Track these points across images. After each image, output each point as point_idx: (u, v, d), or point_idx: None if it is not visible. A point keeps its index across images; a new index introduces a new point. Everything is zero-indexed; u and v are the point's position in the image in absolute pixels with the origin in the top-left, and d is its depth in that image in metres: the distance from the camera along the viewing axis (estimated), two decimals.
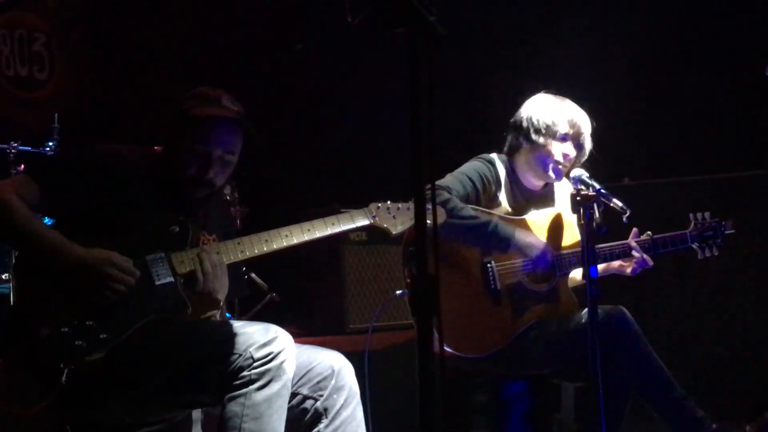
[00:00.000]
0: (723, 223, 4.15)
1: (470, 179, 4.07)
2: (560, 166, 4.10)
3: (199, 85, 3.35)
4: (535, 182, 4.24)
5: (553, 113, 4.12)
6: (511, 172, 4.21)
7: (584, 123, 4.14)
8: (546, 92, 4.24)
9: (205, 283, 3.15)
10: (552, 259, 4.00)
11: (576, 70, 6.16)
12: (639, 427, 4.27)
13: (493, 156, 4.22)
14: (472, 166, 4.15)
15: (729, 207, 4.26)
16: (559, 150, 4.09)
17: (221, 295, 3.24)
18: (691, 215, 4.16)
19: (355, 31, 2.22)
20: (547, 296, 4.05)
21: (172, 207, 3.26)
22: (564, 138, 4.09)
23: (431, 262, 2.12)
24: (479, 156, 4.23)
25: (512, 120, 4.25)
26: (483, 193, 4.09)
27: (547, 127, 4.10)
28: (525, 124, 4.15)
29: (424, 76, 2.10)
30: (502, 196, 4.14)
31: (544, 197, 4.27)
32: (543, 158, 4.12)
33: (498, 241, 3.96)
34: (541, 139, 4.10)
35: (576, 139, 4.11)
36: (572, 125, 4.10)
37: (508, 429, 4.15)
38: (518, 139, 4.18)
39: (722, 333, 5.44)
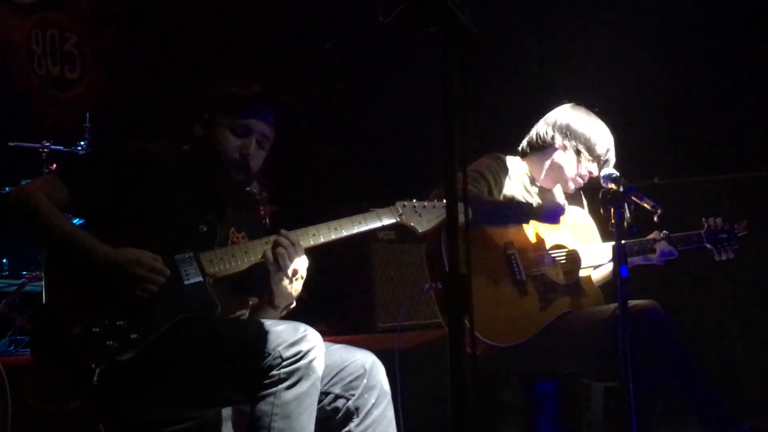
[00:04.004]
0: (735, 225, 4.17)
1: (481, 174, 4.11)
2: (578, 179, 4.19)
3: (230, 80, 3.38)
4: (549, 183, 4.30)
5: (595, 133, 4.17)
6: (525, 170, 4.26)
7: (612, 150, 4.19)
8: (574, 106, 4.26)
9: (278, 262, 3.17)
10: (561, 211, 4.09)
11: (605, 70, 6.14)
12: (670, 424, 4.25)
13: (504, 156, 4.28)
14: (481, 163, 4.19)
15: (758, 206, 4.24)
16: (585, 167, 4.16)
17: (300, 280, 3.27)
18: (703, 219, 4.19)
19: (387, 29, 2.22)
20: (571, 289, 4.10)
21: (202, 204, 3.27)
22: (597, 159, 4.15)
23: (461, 261, 2.11)
24: (489, 154, 4.27)
25: (545, 121, 4.26)
26: (495, 187, 4.14)
27: (588, 142, 4.15)
28: (563, 131, 4.18)
29: (456, 75, 2.09)
30: (513, 191, 4.19)
31: (552, 195, 4.32)
32: (568, 167, 4.18)
33: (515, 210, 4.07)
34: (577, 152, 4.15)
35: (603, 164, 4.15)
36: (607, 151, 4.16)
37: (538, 428, 4.14)
38: (549, 143, 4.21)
39: (752, 330, 5.41)
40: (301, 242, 3.25)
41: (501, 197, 4.15)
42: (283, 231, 3.25)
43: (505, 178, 4.17)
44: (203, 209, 3.26)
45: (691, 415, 3.89)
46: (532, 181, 4.26)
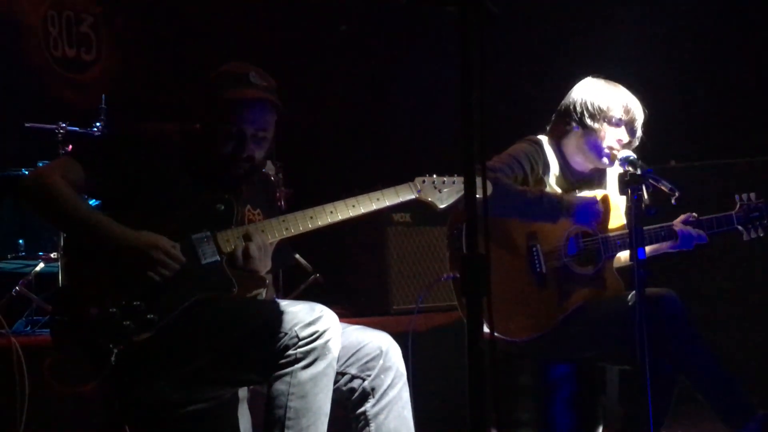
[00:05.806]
0: None
1: (518, 161, 4.03)
2: (613, 152, 4.04)
3: (231, 62, 3.33)
4: (584, 165, 4.19)
5: (607, 98, 4.06)
6: (560, 154, 4.17)
7: (638, 109, 4.09)
8: (596, 77, 4.18)
9: (248, 264, 3.15)
10: (598, 209, 3.98)
11: (624, 52, 6.11)
12: (686, 410, 4.24)
13: (541, 138, 4.19)
14: (519, 148, 4.11)
15: None
16: (613, 135, 4.04)
17: (262, 273, 3.26)
18: (736, 196, 4.12)
19: (405, 9, 2.20)
20: (593, 279, 4.03)
21: (214, 184, 3.25)
22: (618, 123, 4.04)
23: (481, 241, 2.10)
24: (527, 137, 4.19)
25: (563, 103, 4.18)
26: (531, 174, 4.06)
27: (602, 111, 4.04)
28: (578, 108, 4.09)
29: (475, 55, 2.07)
30: (550, 178, 4.12)
31: (592, 180, 4.22)
32: (595, 143, 4.07)
33: (547, 207, 3.93)
34: (595, 124, 4.04)
35: (630, 125, 4.06)
36: (627, 111, 4.05)
37: (553, 412, 4.13)
38: (569, 124, 4.12)
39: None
40: (319, 222, 3.25)
41: (536, 184, 4.08)
42: (252, 231, 3.20)
43: (542, 164, 4.10)
44: (217, 187, 3.24)
45: (706, 403, 3.88)
46: (568, 166, 4.18)
